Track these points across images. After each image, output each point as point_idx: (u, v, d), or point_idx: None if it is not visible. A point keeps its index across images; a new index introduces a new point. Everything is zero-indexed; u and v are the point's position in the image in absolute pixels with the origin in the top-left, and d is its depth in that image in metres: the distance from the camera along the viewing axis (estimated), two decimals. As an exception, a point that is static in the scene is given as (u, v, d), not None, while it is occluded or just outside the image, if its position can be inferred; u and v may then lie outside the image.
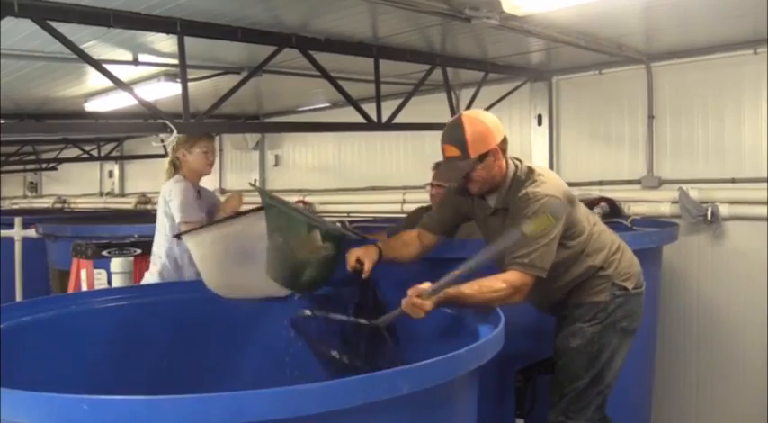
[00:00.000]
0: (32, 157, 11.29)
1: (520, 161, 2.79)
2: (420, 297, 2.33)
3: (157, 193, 3.88)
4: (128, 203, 10.56)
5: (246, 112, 8.11)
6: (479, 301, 2.43)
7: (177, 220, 3.52)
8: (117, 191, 11.36)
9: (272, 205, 2.89)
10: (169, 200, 3.59)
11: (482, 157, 2.61)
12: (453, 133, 2.67)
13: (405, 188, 6.57)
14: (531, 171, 2.72)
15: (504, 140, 2.69)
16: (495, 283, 2.45)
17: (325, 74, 4.49)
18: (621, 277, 2.83)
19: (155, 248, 3.74)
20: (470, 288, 2.39)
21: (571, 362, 2.83)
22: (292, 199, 7.51)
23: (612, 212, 4.72)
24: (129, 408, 1.39)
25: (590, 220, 2.85)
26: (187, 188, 3.61)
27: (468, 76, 5.53)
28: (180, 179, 3.67)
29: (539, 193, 2.59)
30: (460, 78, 5.75)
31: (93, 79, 5.22)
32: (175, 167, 3.76)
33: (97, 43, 4.06)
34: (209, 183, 9.30)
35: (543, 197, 2.57)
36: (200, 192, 3.78)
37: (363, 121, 4.93)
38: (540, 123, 5.54)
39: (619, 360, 2.85)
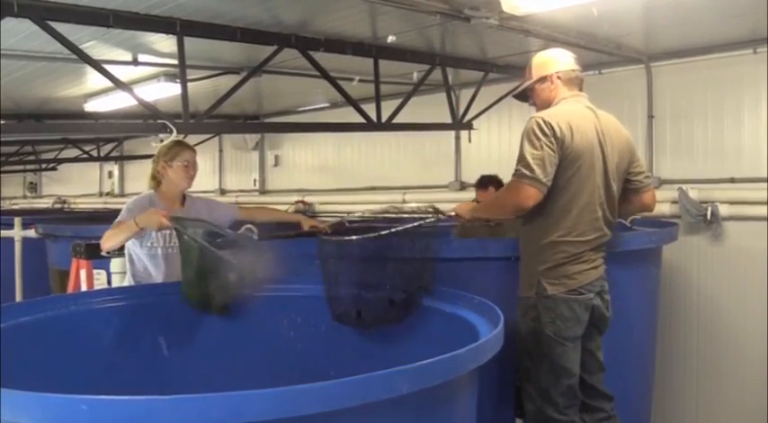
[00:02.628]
0: (32, 158, 11.30)
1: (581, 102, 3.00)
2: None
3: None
4: (128, 204, 10.54)
5: (246, 112, 8.11)
6: (493, 202, 3.16)
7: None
8: (117, 191, 11.36)
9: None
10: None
11: (540, 80, 3.01)
12: (528, 65, 3.12)
13: (405, 188, 6.58)
14: (563, 100, 2.96)
15: (567, 72, 3.00)
16: (501, 192, 3.10)
17: (324, 74, 4.49)
18: (550, 279, 2.77)
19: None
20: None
21: (520, 361, 2.86)
22: (292, 199, 7.52)
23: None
24: (128, 408, 1.39)
25: (578, 196, 2.79)
26: (134, 200, 3.43)
27: (468, 76, 5.53)
28: (145, 194, 3.48)
29: (534, 115, 2.85)
30: (460, 78, 5.75)
31: (93, 79, 5.23)
32: (157, 180, 3.54)
33: (97, 43, 4.07)
34: (208, 183, 9.35)
35: (531, 120, 2.82)
36: (185, 200, 3.60)
37: (363, 121, 4.93)
38: (540, 123, 5.55)
39: (563, 363, 2.78)
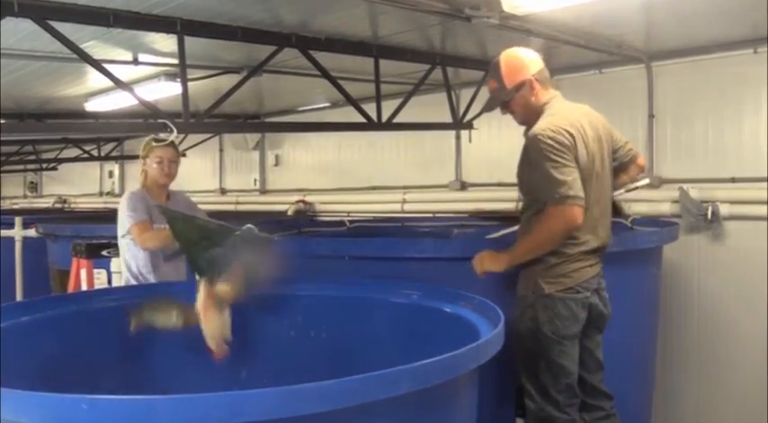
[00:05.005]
0: (33, 157, 11.30)
1: (558, 99, 2.91)
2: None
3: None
4: (128, 203, 10.54)
5: (247, 112, 8.11)
6: (540, 239, 2.74)
7: (126, 228, 3.48)
8: (117, 191, 11.35)
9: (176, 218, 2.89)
10: (118, 216, 3.54)
11: (518, 88, 2.85)
12: (492, 69, 2.94)
13: (405, 188, 6.58)
14: (547, 104, 2.86)
15: (541, 72, 2.86)
16: (538, 225, 2.75)
17: (325, 73, 4.49)
18: (547, 278, 2.77)
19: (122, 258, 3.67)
20: (524, 239, 2.83)
21: (519, 360, 2.86)
22: (292, 199, 7.52)
23: (612, 212, 4.71)
24: (128, 408, 1.39)
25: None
26: (130, 198, 3.51)
27: (468, 76, 5.53)
28: (127, 193, 3.58)
29: (537, 130, 2.74)
30: (460, 78, 5.74)
31: (94, 79, 5.23)
32: (142, 174, 3.67)
33: (97, 43, 4.07)
34: (209, 183, 9.35)
35: (540, 136, 2.70)
36: (169, 196, 3.69)
37: (363, 120, 4.93)
38: (540, 123, 5.54)
39: (562, 362, 2.79)
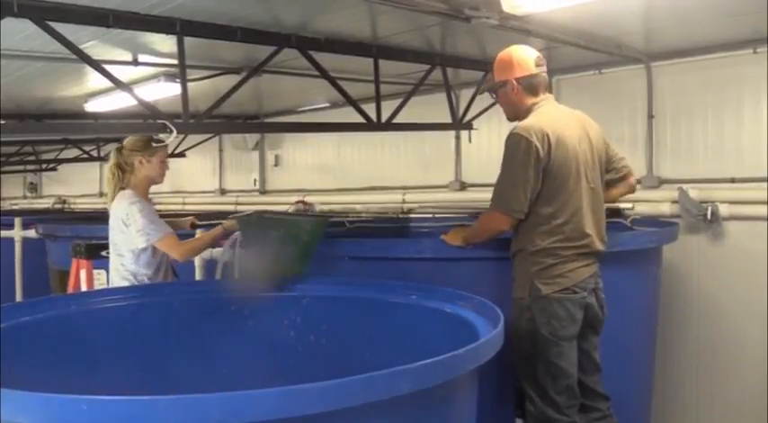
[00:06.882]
0: (32, 158, 11.29)
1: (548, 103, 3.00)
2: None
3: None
4: (128, 204, 10.52)
5: (246, 112, 8.11)
6: (476, 229, 3.09)
7: (152, 241, 3.39)
8: (116, 191, 11.33)
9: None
10: (129, 224, 3.43)
11: (502, 84, 3.01)
12: (493, 61, 3.12)
13: (405, 188, 6.58)
14: (535, 105, 2.94)
15: (527, 77, 2.93)
16: (479, 218, 3.13)
17: (324, 74, 4.49)
18: (543, 279, 2.80)
19: (120, 265, 3.56)
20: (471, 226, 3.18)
21: (518, 362, 2.87)
22: (292, 199, 7.51)
23: (612, 212, 4.71)
24: (128, 408, 1.39)
25: (567, 204, 2.82)
26: (143, 208, 3.44)
27: (468, 76, 5.53)
28: (133, 199, 3.47)
29: (515, 128, 2.85)
30: (460, 78, 5.74)
31: (94, 79, 5.23)
32: (122, 172, 3.57)
33: (97, 43, 4.07)
34: (208, 183, 9.35)
35: (511, 136, 2.82)
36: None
37: (363, 121, 4.93)
38: (540, 123, 5.54)
39: (560, 363, 2.81)
